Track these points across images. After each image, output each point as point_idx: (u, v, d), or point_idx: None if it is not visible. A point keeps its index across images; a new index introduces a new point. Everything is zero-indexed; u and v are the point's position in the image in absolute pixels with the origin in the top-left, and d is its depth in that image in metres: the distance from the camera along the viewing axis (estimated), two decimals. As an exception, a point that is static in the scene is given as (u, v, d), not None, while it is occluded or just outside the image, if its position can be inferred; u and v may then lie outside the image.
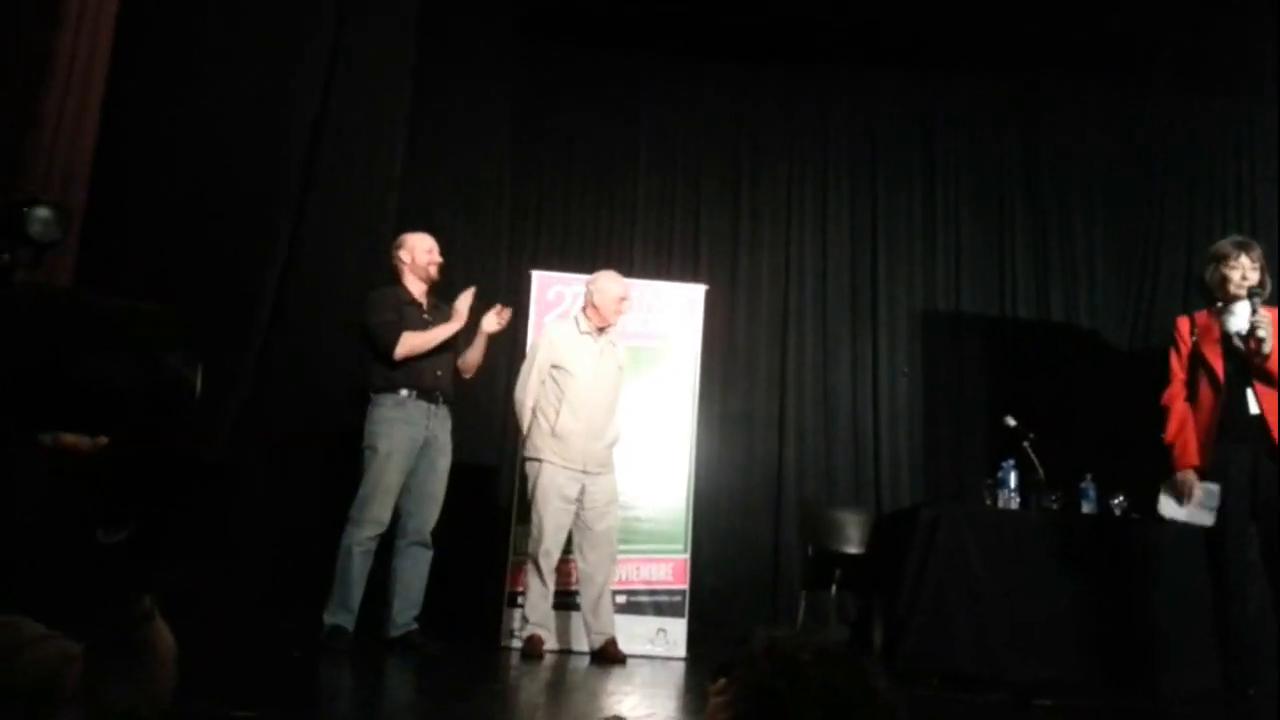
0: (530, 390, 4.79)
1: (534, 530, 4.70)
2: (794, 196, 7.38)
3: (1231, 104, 7.24)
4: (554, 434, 4.71)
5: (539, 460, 4.72)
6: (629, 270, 6.61)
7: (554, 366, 4.80)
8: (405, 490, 4.49)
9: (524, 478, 4.84)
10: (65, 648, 1.44)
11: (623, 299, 4.90)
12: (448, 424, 4.63)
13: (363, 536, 4.35)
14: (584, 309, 4.92)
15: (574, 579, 4.89)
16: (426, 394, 4.53)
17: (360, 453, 4.47)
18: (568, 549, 4.81)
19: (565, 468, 4.70)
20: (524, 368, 4.90)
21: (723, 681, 1.16)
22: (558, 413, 4.73)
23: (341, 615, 4.31)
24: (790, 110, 7.50)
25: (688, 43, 7.22)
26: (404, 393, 4.49)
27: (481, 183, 6.85)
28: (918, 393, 7.09)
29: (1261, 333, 3.93)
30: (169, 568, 1.42)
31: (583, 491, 4.73)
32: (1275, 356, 3.96)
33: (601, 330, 4.88)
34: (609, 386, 4.87)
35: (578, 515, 4.74)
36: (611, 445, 4.85)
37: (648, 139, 7.40)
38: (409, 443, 4.46)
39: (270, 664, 3.82)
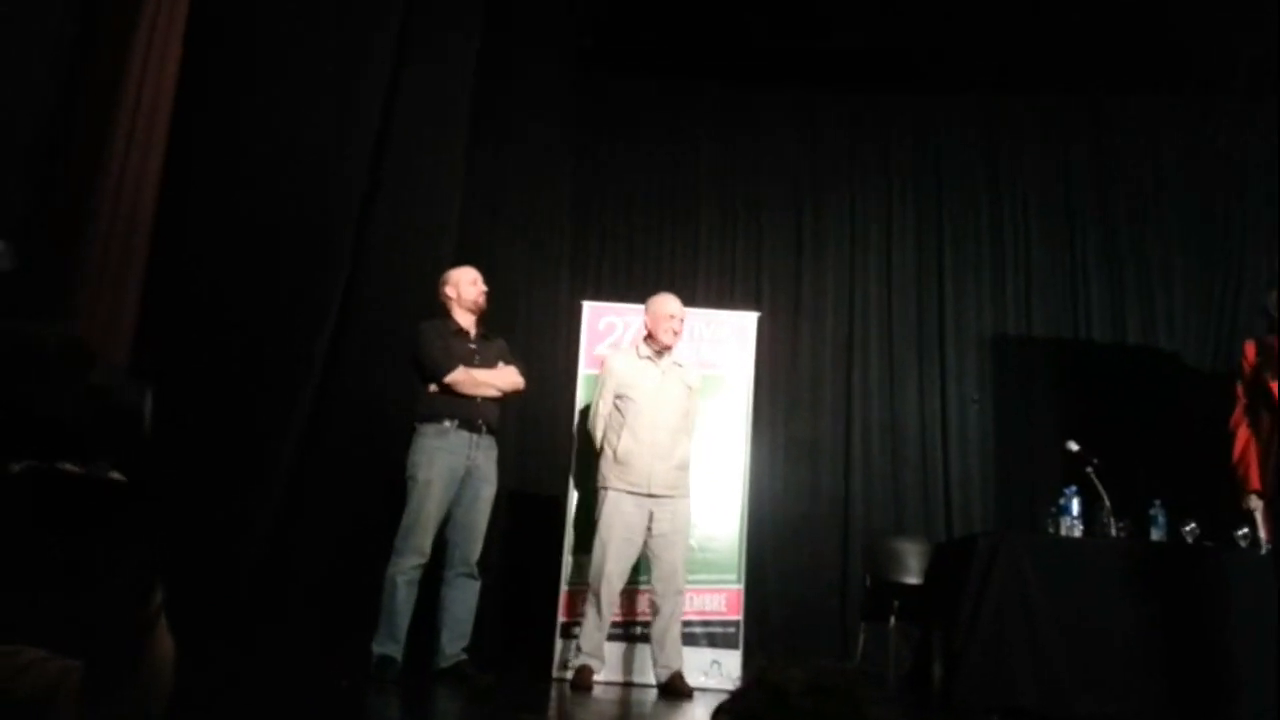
0: (599, 421, 4.84)
1: (595, 558, 4.70)
2: (857, 221, 7.31)
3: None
4: (617, 460, 4.72)
5: (605, 488, 4.74)
6: (690, 300, 6.60)
7: (618, 396, 4.83)
8: (450, 520, 4.52)
9: (590, 507, 4.89)
10: (65, 665, 1.46)
11: (674, 317, 4.90)
12: (492, 453, 4.64)
13: (406, 566, 4.38)
14: (645, 336, 4.97)
15: (644, 610, 4.87)
16: (469, 423, 4.55)
17: (404, 483, 4.52)
18: (636, 579, 4.82)
19: (630, 493, 4.69)
20: (593, 402, 4.95)
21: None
22: (619, 438, 4.75)
23: (389, 645, 4.34)
24: (852, 134, 7.44)
25: (747, 72, 7.24)
26: (447, 422, 4.52)
27: (542, 215, 6.88)
28: (988, 419, 6.92)
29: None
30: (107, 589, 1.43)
31: (651, 519, 4.71)
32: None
33: (661, 353, 4.89)
34: (674, 407, 4.83)
35: (647, 544, 4.73)
36: (680, 467, 4.80)
37: (708, 169, 7.41)
38: (450, 472, 4.48)
39: (317, 694, 3.86)
